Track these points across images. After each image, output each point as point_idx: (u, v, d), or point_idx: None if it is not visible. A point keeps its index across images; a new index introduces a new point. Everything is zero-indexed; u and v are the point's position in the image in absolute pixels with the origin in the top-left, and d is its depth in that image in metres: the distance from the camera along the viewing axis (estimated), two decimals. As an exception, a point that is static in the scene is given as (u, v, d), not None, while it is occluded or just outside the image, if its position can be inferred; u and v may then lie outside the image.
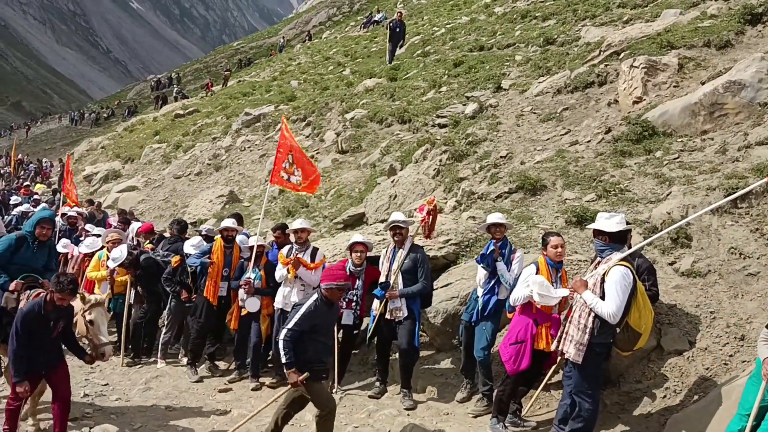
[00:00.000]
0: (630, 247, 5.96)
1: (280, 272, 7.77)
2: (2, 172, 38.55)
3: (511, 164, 10.82)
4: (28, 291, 6.28)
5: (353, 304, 7.53)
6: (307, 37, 51.96)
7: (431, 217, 7.41)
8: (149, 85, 67.69)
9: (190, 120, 31.51)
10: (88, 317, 5.88)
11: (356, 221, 12.24)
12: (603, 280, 5.23)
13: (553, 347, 5.64)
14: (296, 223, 8.01)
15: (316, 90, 25.66)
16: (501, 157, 11.15)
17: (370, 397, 7.29)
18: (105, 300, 6.02)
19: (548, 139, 11.37)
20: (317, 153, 17.74)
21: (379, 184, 12.98)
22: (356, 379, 7.96)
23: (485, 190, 10.19)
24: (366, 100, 18.72)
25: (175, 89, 47.37)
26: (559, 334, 5.58)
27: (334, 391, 7.35)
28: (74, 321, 6.05)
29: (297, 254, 7.72)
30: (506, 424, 6.10)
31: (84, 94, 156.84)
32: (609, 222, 5.41)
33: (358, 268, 7.51)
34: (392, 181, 12.35)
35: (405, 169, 12.68)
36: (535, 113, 12.50)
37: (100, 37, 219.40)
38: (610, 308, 5.12)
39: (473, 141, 12.03)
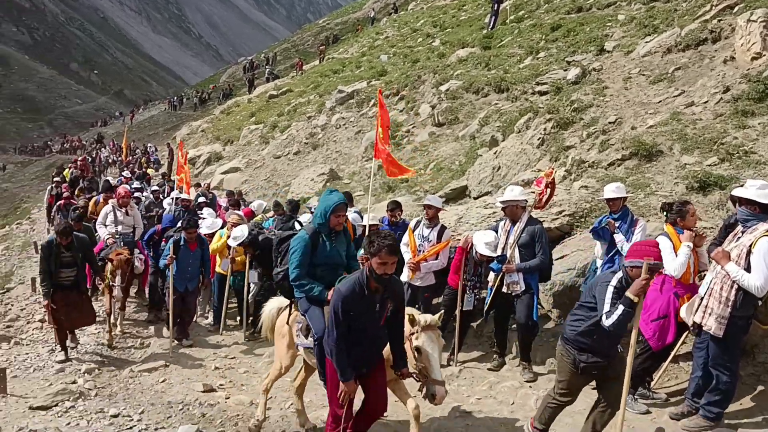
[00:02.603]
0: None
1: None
2: (110, 160, 40.42)
3: (622, 130, 10.42)
4: None
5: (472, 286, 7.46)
6: (393, 10, 51.64)
7: (549, 189, 7.22)
8: (242, 68, 69.48)
9: (284, 100, 32.23)
10: (415, 342, 4.83)
11: (459, 194, 12.20)
12: (750, 252, 4.95)
13: (690, 321, 5.42)
14: (429, 200, 7.99)
15: (406, 63, 25.59)
16: (610, 122, 10.76)
17: (489, 369, 7.30)
18: (437, 322, 4.94)
19: (660, 101, 10.86)
20: (413, 127, 17.76)
21: (481, 155, 12.85)
22: (472, 351, 7.99)
23: (596, 158, 9.87)
24: (460, 71, 18.52)
25: (267, 70, 48.35)
26: (695, 306, 5.36)
27: (452, 363, 7.43)
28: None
29: (414, 259, 7.66)
30: (636, 397, 5.96)
31: (180, 80, 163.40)
32: (763, 192, 5.06)
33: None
34: (494, 153, 12.19)
35: (507, 140, 12.48)
36: (643, 75, 11.96)
37: (192, 23, 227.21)
38: (757, 280, 4.86)
39: (579, 107, 11.67)
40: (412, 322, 4.89)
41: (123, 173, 24.32)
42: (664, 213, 6.25)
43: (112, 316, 9.17)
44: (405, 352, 4.89)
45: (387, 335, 4.89)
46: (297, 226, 9.02)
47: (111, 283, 8.90)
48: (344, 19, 71.72)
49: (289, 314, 5.76)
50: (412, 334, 4.87)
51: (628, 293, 4.49)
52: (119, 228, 10.29)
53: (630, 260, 4.69)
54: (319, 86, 30.45)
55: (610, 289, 4.64)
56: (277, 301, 6.21)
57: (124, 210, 10.54)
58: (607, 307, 4.61)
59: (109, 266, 8.97)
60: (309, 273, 5.20)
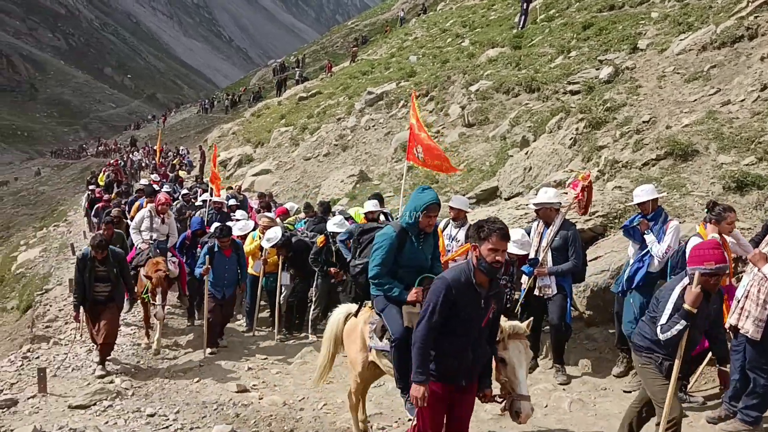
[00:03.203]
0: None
1: None
2: (142, 163, 40.67)
3: (656, 129, 10.27)
4: None
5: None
6: (422, 10, 51.58)
7: (585, 193, 7.10)
8: (271, 70, 70.10)
9: (314, 102, 32.39)
10: (500, 353, 4.31)
11: (489, 195, 12.14)
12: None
13: (727, 324, 5.33)
14: (453, 202, 7.98)
15: (435, 64, 25.51)
16: (644, 122, 10.61)
17: (521, 372, 7.25)
18: (526, 330, 4.41)
19: (695, 100, 10.68)
20: (442, 128, 17.72)
21: (512, 156, 12.77)
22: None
23: (629, 157, 9.75)
24: (490, 71, 18.41)
25: (297, 72, 48.69)
26: (732, 309, 5.27)
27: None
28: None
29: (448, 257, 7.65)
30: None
31: (210, 82, 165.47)
32: None
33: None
34: (525, 153, 12.11)
35: (538, 140, 12.39)
36: (678, 73, 11.77)
37: (222, 26, 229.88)
38: (795, 282, 4.77)
39: (611, 107, 11.53)
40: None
41: (151, 176, 24.62)
42: (707, 211, 6.14)
43: (155, 334, 8.97)
44: (491, 369, 4.37)
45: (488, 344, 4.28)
46: (328, 227, 9.08)
47: (152, 302, 8.69)
48: (373, 20, 71.90)
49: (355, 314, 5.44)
50: (497, 342, 4.36)
51: (685, 305, 4.35)
52: (154, 235, 10.10)
53: (691, 267, 4.48)
54: (348, 88, 30.54)
55: (672, 300, 4.46)
56: (344, 308, 5.86)
57: (161, 217, 10.33)
58: (664, 319, 4.45)
59: (146, 282, 8.76)
60: (390, 272, 4.81)
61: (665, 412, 4.54)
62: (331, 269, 9.06)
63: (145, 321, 9.17)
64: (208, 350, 8.76)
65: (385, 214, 9.56)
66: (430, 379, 4.10)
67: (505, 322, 4.40)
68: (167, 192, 16.96)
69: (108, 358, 8.24)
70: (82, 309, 8.17)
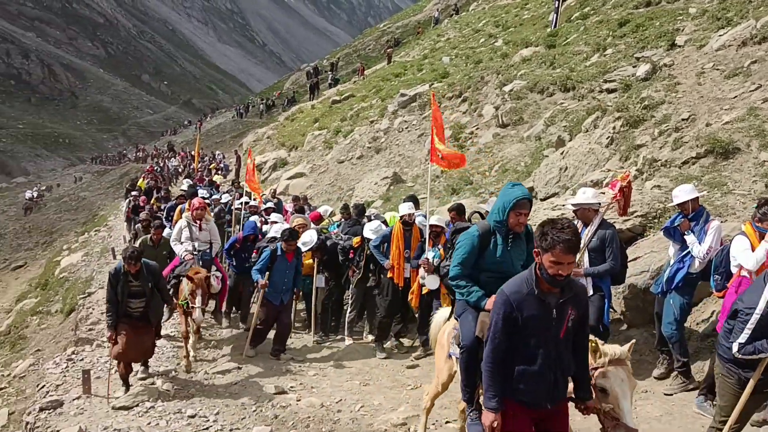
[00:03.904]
0: None
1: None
2: (179, 169, 41.17)
3: (695, 127, 10.06)
4: None
5: None
6: (454, 11, 51.43)
7: (624, 193, 6.97)
8: (305, 73, 70.59)
9: (347, 105, 32.54)
10: (599, 381, 3.81)
11: (525, 196, 12.02)
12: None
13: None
14: (489, 206, 7.93)
15: (469, 64, 25.44)
16: (683, 119, 10.40)
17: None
18: (628, 355, 3.91)
19: (736, 96, 10.43)
20: (476, 128, 17.64)
21: (547, 156, 12.65)
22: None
23: (669, 156, 9.57)
24: (524, 71, 18.28)
25: (330, 76, 48.97)
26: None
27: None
28: None
29: None
30: (715, 403, 5.74)
31: (245, 87, 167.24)
32: None
33: None
34: (561, 153, 11.98)
35: (574, 140, 12.25)
36: (717, 69, 11.52)
37: (255, 32, 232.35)
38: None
39: (649, 105, 11.34)
40: (595, 352, 3.89)
41: (184, 180, 24.79)
42: (756, 208, 5.99)
43: (189, 341, 8.64)
44: (590, 378, 3.83)
45: (572, 358, 3.76)
46: (365, 233, 9.11)
47: (191, 305, 8.13)
48: (405, 22, 71.90)
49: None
50: (595, 368, 3.84)
51: None
52: (195, 244, 9.40)
53: None
54: (380, 90, 30.61)
55: (755, 317, 4.17)
56: (444, 311, 5.62)
57: (198, 224, 9.56)
58: (744, 338, 4.21)
59: (187, 286, 8.24)
60: (472, 276, 4.42)
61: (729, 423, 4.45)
62: (353, 268, 9.21)
63: (184, 336, 8.66)
64: (250, 352, 8.71)
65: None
66: (506, 405, 3.65)
67: (605, 346, 3.93)
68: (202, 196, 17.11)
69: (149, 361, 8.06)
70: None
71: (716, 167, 8.80)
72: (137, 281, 7.36)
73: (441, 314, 5.59)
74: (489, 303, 4.17)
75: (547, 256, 3.49)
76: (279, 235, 8.97)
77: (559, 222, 3.54)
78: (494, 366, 3.66)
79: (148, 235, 10.45)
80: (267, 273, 8.48)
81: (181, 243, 9.41)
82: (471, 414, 4.35)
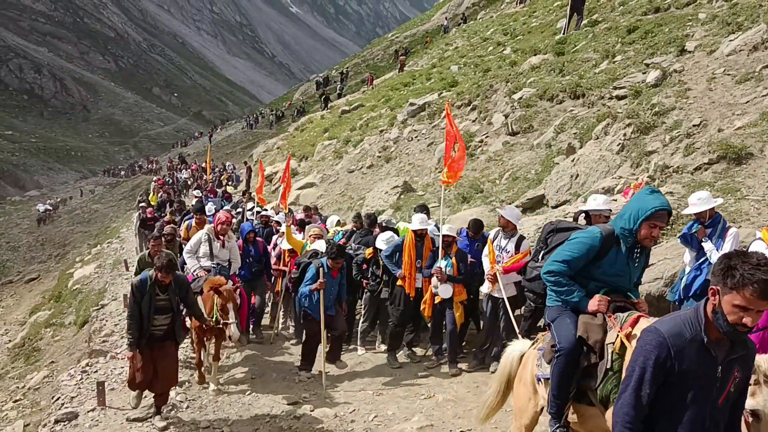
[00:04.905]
0: None
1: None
2: (189, 181, 41.17)
3: (707, 132, 10.02)
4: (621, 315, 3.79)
5: None
6: (462, 20, 51.57)
7: (637, 201, 6.92)
8: (314, 84, 70.94)
9: (356, 115, 32.67)
10: (750, 403, 3.20)
11: (536, 204, 12.01)
12: None
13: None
14: (505, 212, 7.88)
15: (477, 73, 25.45)
16: (694, 125, 10.36)
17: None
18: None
19: (748, 101, 10.39)
20: (486, 137, 17.63)
21: (557, 164, 12.63)
22: (555, 364, 7.81)
23: (680, 162, 9.53)
24: (533, 78, 18.27)
25: (338, 86, 49.21)
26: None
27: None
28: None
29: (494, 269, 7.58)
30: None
31: (254, 98, 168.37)
32: None
33: None
34: (572, 160, 11.96)
35: (585, 147, 12.22)
36: (729, 75, 11.47)
37: (264, 43, 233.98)
38: None
39: (660, 111, 11.30)
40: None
41: (194, 192, 24.73)
42: None
43: (211, 365, 8.00)
44: None
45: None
46: (377, 244, 9.09)
47: (224, 321, 7.21)
48: (413, 31, 72.12)
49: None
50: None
51: None
52: (214, 263, 8.59)
53: None
54: (390, 100, 30.70)
55: None
56: (521, 344, 4.85)
57: (220, 240, 8.69)
58: None
59: (217, 300, 7.27)
60: (574, 278, 3.94)
61: None
62: (364, 281, 9.25)
63: (198, 363, 8.05)
64: (307, 374, 8.38)
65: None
66: None
67: (759, 357, 3.24)
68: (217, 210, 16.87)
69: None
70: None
71: (729, 173, 8.75)
72: (164, 294, 6.55)
73: (517, 347, 4.75)
74: (592, 303, 3.82)
75: (729, 298, 2.69)
76: (323, 250, 8.69)
77: (753, 256, 2.69)
78: (632, 426, 2.87)
79: (147, 251, 9.46)
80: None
81: (198, 258, 8.61)
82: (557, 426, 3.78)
